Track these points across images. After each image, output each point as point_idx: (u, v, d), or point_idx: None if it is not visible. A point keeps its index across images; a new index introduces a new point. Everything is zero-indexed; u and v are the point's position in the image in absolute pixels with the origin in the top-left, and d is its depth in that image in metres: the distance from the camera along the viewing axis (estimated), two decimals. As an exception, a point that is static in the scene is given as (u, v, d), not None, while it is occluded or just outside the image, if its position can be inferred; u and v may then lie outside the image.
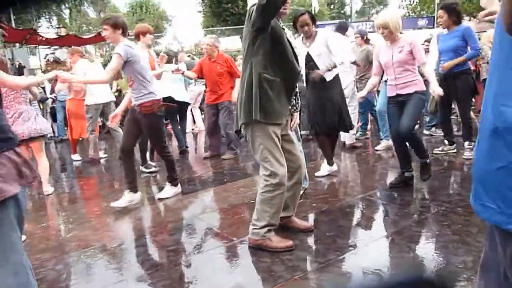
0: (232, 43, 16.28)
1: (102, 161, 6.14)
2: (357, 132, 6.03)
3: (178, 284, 2.31)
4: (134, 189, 3.65)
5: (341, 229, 2.94)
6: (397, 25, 3.41)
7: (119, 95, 10.03)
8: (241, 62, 2.77)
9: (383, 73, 3.78)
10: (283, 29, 2.54)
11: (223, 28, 21.34)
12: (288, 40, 2.52)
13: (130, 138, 3.67)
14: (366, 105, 5.61)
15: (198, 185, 4.45)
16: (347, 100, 5.29)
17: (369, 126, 6.61)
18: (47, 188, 4.34)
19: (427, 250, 2.51)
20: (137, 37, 4.74)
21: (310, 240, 2.73)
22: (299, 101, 2.72)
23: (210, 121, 5.62)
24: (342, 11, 33.42)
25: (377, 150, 5.31)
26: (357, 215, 3.27)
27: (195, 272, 2.42)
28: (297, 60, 2.59)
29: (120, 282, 2.35)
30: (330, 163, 4.23)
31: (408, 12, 25.50)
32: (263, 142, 2.46)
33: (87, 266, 2.60)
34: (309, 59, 3.89)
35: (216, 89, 5.35)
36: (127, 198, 3.61)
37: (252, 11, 2.37)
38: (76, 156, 6.32)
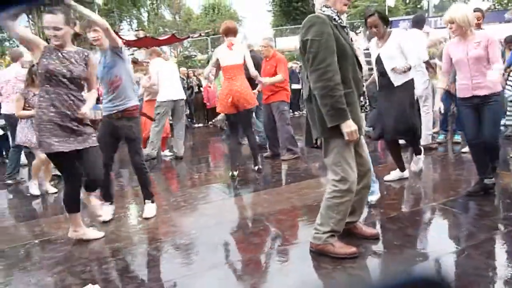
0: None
1: (167, 158, 6.38)
2: (438, 134, 5.63)
3: (235, 283, 2.32)
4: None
5: (409, 238, 2.76)
6: (465, 19, 3.11)
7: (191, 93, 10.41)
8: None
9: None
10: (345, 28, 2.44)
11: (293, 26, 21.26)
12: (349, 45, 2.41)
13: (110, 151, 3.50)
14: (445, 102, 5.18)
15: (261, 184, 4.45)
16: (421, 100, 4.98)
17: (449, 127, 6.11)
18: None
19: (509, 269, 2.25)
20: (224, 34, 4.68)
21: (376, 249, 2.59)
22: (367, 101, 2.59)
23: (266, 121, 5.61)
24: (418, 6, 31.58)
25: (455, 153, 4.91)
26: (428, 224, 3.05)
27: (253, 272, 2.42)
28: (359, 63, 2.48)
29: (186, 276, 2.41)
30: (402, 169, 3.98)
31: (494, 5, 23.39)
32: (337, 146, 2.37)
33: (155, 258, 2.71)
34: (380, 61, 3.70)
35: (267, 89, 5.30)
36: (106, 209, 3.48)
37: (307, 47, 2.30)
38: (165, 152, 6.56)
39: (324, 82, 2.25)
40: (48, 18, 2.72)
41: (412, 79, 3.77)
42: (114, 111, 3.32)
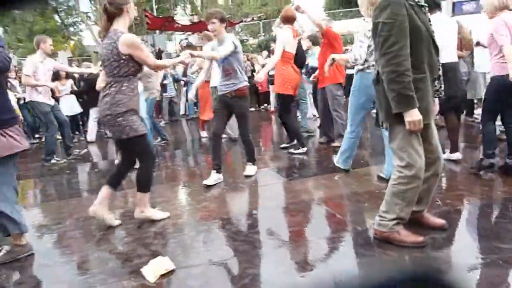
0: (355, 25, 15.65)
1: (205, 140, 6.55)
2: None
3: (296, 265, 2.33)
4: (219, 170, 4.03)
5: (479, 231, 2.63)
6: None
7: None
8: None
9: None
10: (422, 7, 2.32)
11: (346, 10, 20.61)
12: (426, 26, 2.29)
13: (221, 123, 4.10)
14: None
15: (318, 170, 4.42)
16: None
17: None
18: None
19: None
20: (285, 21, 4.85)
21: (443, 239, 2.49)
22: (442, 85, 2.46)
23: (322, 105, 5.53)
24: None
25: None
26: (500, 217, 2.88)
27: (316, 255, 2.42)
28: (435, 45, 2.35)
29: (248, 254, 2.46)
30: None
31: None
32: (403, 130, 2.28)
33: (218, 236, 2.79)
34: None
35: (320, 73, 5.17)
36: (214, 177, 3.99)
37: (379, 30, 2.22)
38: (204, 133, 6.83)
39: (393, 67, 2.17)
40: None
41: None
42: (228, 91, 3.96)
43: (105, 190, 3.09)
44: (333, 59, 3.81)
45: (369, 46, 3.55)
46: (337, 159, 4.06)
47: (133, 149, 3.02)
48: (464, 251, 2.34)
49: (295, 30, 4.77)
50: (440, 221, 2.65)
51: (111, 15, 2.84)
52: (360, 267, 2.29)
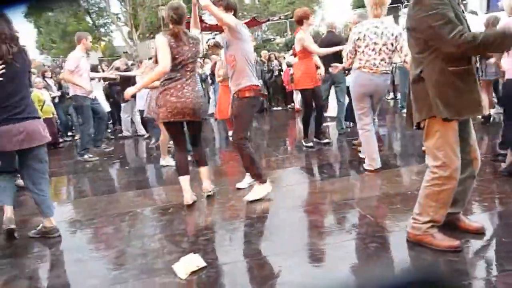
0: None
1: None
2: None
3: (325, 267, 2.31)
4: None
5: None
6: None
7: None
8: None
9: None
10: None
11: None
12: (463, 17, 2.21)
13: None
14: None
15: (348, 170, 4.36)
16: None
17: None
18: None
19: None
20: (299, 22, 4.98)
21: (481, 244, 2.41)
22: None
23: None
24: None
25: None
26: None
27: (346, 258, 2.38)
28: None
29: (277, 254, 2.45)
30: None
31: None
32: (441, 128, 2.21)
33: (247, 235, 2.80)
34: None
35: None
36: (247, 180, 3.77)
37: (427, 25, 2.13)
38: (231, 132, 6.87)
39: (471, 44, 2.05)
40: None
41: None
42: (234, 90, 3.43)
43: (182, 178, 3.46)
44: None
45: (359, 47, 3.76)
46: (366, 162, 4.02)
47: (201, 130, 3.58)
48: (502, 257, 2.25)
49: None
50: (477, 225, 2.56)
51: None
52: (392, 270, 2.24)
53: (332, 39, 5.54)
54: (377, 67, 3.71)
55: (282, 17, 18.57)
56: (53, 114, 7.41)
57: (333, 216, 3.06)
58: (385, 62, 3.73)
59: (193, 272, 2.26)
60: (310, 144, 5.31)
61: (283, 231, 2.80)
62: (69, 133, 8.88)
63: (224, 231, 2.86)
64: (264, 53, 11.50)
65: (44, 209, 2.98)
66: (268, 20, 18.13)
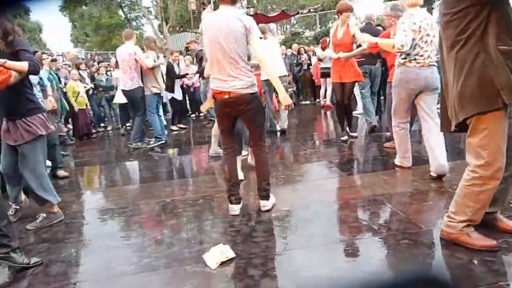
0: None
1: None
2: None
3: (355, 262, 2.27)
4: None
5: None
6: None
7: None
8: None
9: None
10: None
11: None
12: None
13: None
14: None
15: (378, 165, 4.28)
16: None
17: None
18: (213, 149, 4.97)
19: None
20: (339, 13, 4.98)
21: (519, 244, 2.31)
22: None
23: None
24: None
25: None
26: None
27: (376, 253, 2.34)
28: None
29: (305, 248, 2.44)
30: None
31: None
32: (490, 126, 2.07)
33: (277, 228, 2.80)
34: None
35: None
36: None
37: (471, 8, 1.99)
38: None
39: None
40: None
41: None
42: None
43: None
44: (376, 43, 3.88)
45: (413, 40, 3.39)
46: (397, 159, 3.93)
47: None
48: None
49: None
50: None
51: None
52: (425, 268, 2.19)
53: (369, 30, 5.39)
54: (424, 59, 3.51)
55: (311, 10, 18.35)
56: (86, 105, 7.64)
57: (363, 211, 3.01)
58: (433, 54, 3.54)
59: (223, 263, 2.29)
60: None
61: (312, 225, 2.78)
62: (102, 124, 9.13)
63: (253, 223, 2.87)
64: (294, 46, 11.43)
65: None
66: (298, 13, 17.94)
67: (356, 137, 5.46)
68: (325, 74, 9.39)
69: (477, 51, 2.03)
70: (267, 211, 3.03)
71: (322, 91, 9.52)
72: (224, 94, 2.87)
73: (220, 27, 2.82)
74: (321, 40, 10.55)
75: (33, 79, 4.48)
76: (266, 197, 3.06)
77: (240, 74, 2.83)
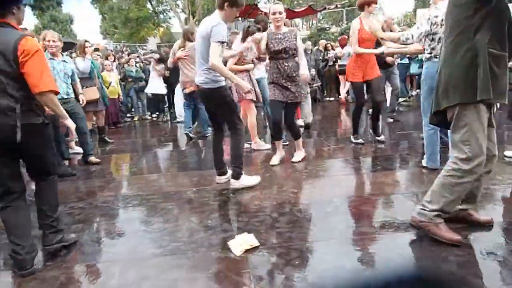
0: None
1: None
2: None
3: (375, 254, 2.32)
4: None
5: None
6: None
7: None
8: None
9: None
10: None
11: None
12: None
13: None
14: None
15: (404, 163, 4.28)
16: None
17: None
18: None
19: None
20: (361, 7, 4.77)
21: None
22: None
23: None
24: None
25: None
26: None
27: (398, 248, 2.37)
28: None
29: (327, 241, 2.50)
30: None
31: None
32: (471, 122, 2.22)
33: (300, 219, 2.86)
34: None
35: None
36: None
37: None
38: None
39: None
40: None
41: None
42: None
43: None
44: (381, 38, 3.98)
45: (434, 34, 3.38)
46: (424, 159, 3.89)
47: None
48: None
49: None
50: (486, 218, 2.59)
51: None
52: (447, 266, 2.21)
53: None
54: None
55: (338, 5, 18.18)
56: (119, 95, 7.93)
57: (386, 207, 3.05)
58: None
59: (247, 250, 2.38)
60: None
61: (335, 219, 2.83)
62: (128, 115, 9.38)
63: (277, 215, 2.95)
64: (322, 42, 11.39)
65: None
66: (325, 9, 17.82)
67: (383, 142, 5.13)
68: (343, 72, 9.61)
69: (468, 48, 2.17)
70: (290, 203, 3.10)
71: (342, 88, 9.51)
72: (197, 87, 3.58)
73: (199, 30, 3.46)
74: (339, 38, 10.46)
75: (68, 70, 4.68)
76: (235, 177, 3.57)
77: (203, 71, 3.41)
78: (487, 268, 2.10)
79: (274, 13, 3.95)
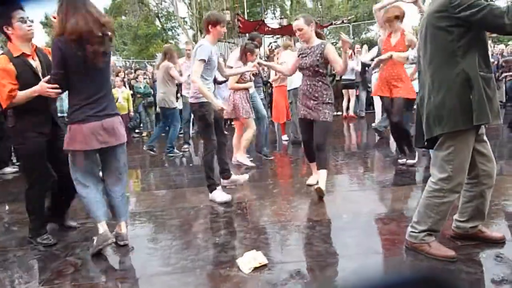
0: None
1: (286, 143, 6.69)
2: None
3: (385, 272, 2.28)
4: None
5: None
6: None
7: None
8: None
9: None
10: None
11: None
12: None
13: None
14: None
15: (416, 179, 4.24)
16: None
17: None
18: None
19: None
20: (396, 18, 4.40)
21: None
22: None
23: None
24: None
25: None
26: None
27: (407, 264, 2.33)
28: None
29: (335, 257, 2.47)
30: None
31: None
32: (457, 144, 2.21)
33: (309, 236, 2.83)
34: None
35: None
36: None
37: (465, 5, 2.05)
38: (284, 137, 6.96)
39: None
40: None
41: None
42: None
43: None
44: (390, 56, 3.87)
45: None
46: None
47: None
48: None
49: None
50: (498, 235, 2.53)
51: None
52: (462, 283, 2.16)
53: None
54: None
55: (345, 21, 18.27)
56: (129, 111, 8.01)
57: (396, 223, 3.00)
58: None
59: (256, 268, 2.35)
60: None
61: (345, 235, 2.80)
62: (137, 130, 9.45)
63: (286, 232, 2.92)
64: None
65: (117, 212, 2.85)
66: (331, 24, 17.92)
67: (413, 166, 4.54)
68: (347, 86, 9.85)
69: (458, 71, 2.15)
70: (299, 219, 3.07)
71: (344, 103, 9.57)
72: None
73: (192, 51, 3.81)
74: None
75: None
76: (209, 190, 3.77)
77: (191, 86, 3.78)
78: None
79: (295, 31, 3.76)
